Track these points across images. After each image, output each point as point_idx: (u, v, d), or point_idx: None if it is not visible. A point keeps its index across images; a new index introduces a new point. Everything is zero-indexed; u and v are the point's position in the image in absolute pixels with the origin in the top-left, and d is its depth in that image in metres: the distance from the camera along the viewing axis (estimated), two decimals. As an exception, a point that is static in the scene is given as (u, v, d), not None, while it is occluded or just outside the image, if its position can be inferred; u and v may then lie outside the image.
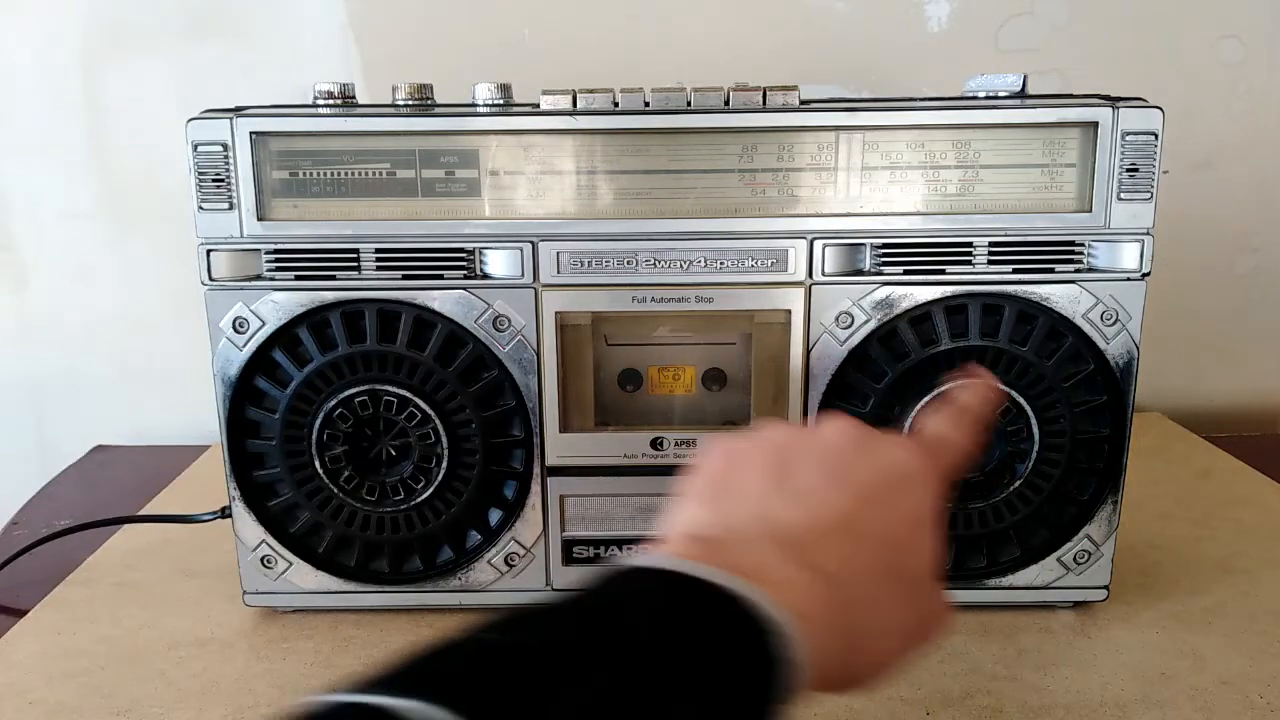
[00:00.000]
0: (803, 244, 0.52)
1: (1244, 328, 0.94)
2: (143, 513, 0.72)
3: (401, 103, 0.53)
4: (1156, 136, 0.50)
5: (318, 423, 0.53)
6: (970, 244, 0.52)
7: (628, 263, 0.53)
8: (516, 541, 0.56)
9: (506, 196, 0.52)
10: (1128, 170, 0.51)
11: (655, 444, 0.55)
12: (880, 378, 0.53)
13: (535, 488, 0.55)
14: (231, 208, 0.52)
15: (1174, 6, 0.86)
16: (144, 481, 0.79)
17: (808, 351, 0.53)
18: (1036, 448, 0.53)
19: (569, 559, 0.57)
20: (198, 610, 0.59)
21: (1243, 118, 0.89)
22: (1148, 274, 0.52)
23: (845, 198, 0.52)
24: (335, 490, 0.54)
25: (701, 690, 0.26)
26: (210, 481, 0.63)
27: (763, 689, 0.28)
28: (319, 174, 0.52)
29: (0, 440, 0.95)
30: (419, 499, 0.54)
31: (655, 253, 0.52)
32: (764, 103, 0.51)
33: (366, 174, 0.52)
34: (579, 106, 0.51)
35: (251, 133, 0.51)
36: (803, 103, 0.51)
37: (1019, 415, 0.53)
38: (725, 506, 0.35)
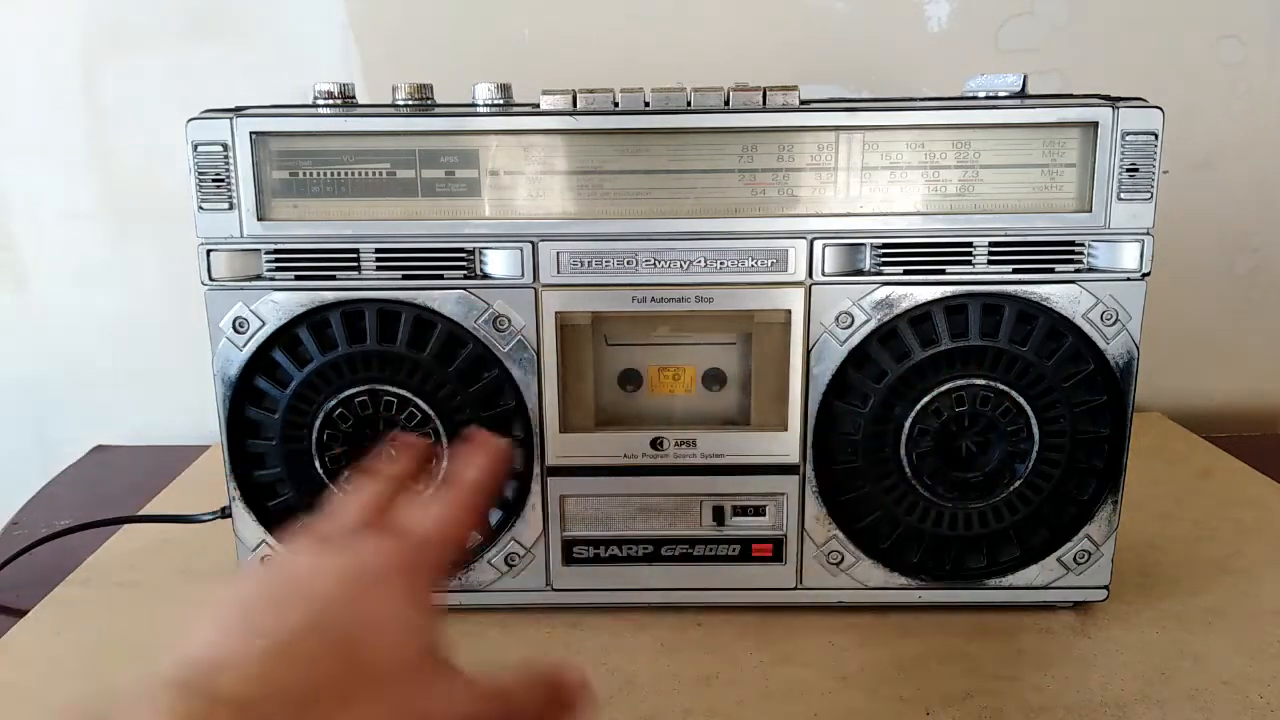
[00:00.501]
0: (803, 244, 0.52)
1: (1244, 328, 0.94)
2: (143, 513, 0.72)
3: (401, 103, 0.53)
4: (1156, 136, 0.50)
5: (318, 423, 0.53)
6: (970, 244, 0.52)
7: (628, 263, 0.53)
8: (516, 541, 0.56)
9: (506, 196, 0.52)
10: (1128, 170, 0.51)
11: (655, 444, 0.55)
12: (880, 378, 0.53)
13: (535, 488, 0.55)
14: (231, 208, 0.52)
15: (1174, 6, 0.86)
16: (144, 481, 0.79)
17: (808, 351, 0.53)
18: (1036, 448, 0.53)
19: (569, 559, 0.57)
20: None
21: (1243, 118, 0.89)
22: (1148, 274, 0.52)
23: (845, 198, 0.52)
24: (335, 490, 0.54)
25: None
26: (210, 481, 0.63)
27: None
28: (319, 174, 0.52)
29: (0, 440, 0.95)
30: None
31: (655, 253, 0.52)
32: (764, 103, 0.51)
33: (366, 174, 0.52)
34: (579, 106, 0.51)
35: (251, 133, 0.51)
36: (803, 103, 0.51)
37: (1019, 415, 0.53)
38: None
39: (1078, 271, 0.52)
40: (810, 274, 0.53)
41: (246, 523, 0.55)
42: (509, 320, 0.53)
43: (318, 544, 0.36)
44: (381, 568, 0.34)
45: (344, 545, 0.35)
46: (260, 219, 0.52)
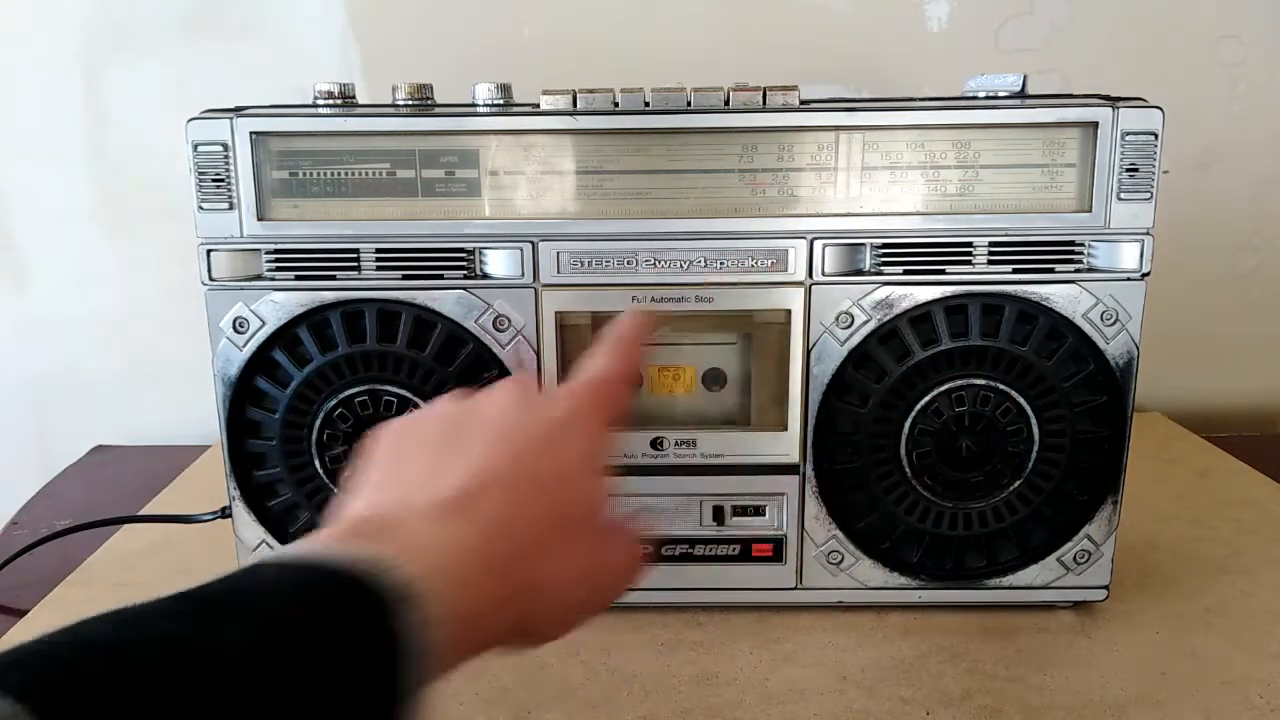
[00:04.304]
0: (803, 244, 0.52)
1: (1244, 328, 0.94)
2: (143, 513, 0.72)
3: (401, 103, 0.53)
4: (1156, 136, 0.50)
5: (318, 423, 0.53)
6: (970, 244, 0.52)
7: (628, 263, 0.53)
8: (516, 541, 0.56)
9: (506, 196, 0.52)
10: (1128, 170, 0.51)
11: (655, 444, 0.55)
12: (880, 378, 0.53)
13: (535, 488, 0.55)
14: (231, 208, 0.52)
15: (1174, 6, 0.86)
16: (144, 481, 0.79)
17: (808, 351, 0.53)
18: (1036, 448, 0.53)
19: (569, 559, 0.56)
20: (198, 610, 0.58)
21: (1242, 118, 0.89)
22: (1148, 274, 0.52)
23: (845, 198, 0.52)
24: (335, 490, 0.54)
25: (313, 673, 0.27)
26: (210, 481, 0.63)
27: (391, 655, 0.28)
28: (319, 174, 0.52)
29: (0, 440, 0.95)
30: (419, 499, 0.54)
31: (655, 253, 0.52)
32: (764, 103, 0.51)
33: (366, 174, 0.52)
34: (579, 106, 0.51)
35: (251, 133, 0.51)
36: (803, 103, 0.51)
37: (1019, 415, 0.53)
38: (393, 484, 0.37)
39: (1078, 271, 0.52)
40: (810, 274, 0.53)
41: (246, 523, 0.55)
42: (509, 320, 0.53)
43: (515, 392, 0.40)
44: (568, 415, 0.39)
45: (534, 396, 0.40)
46: (260, 219, 0.52)
